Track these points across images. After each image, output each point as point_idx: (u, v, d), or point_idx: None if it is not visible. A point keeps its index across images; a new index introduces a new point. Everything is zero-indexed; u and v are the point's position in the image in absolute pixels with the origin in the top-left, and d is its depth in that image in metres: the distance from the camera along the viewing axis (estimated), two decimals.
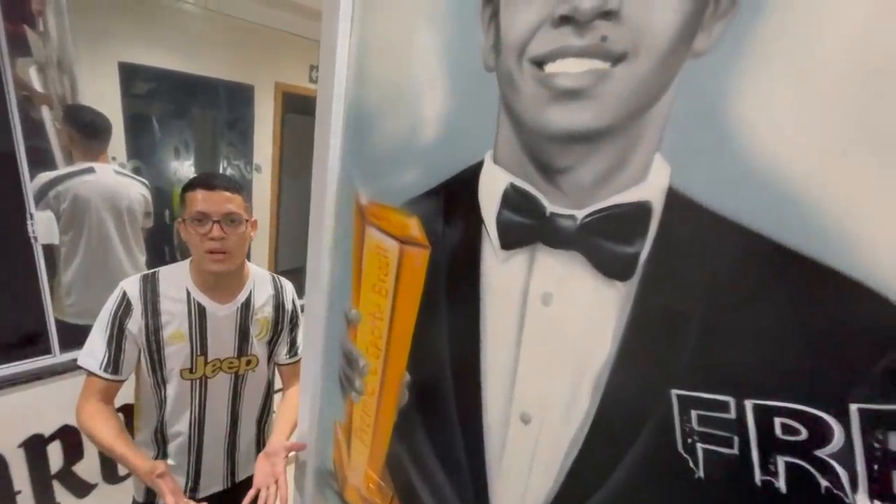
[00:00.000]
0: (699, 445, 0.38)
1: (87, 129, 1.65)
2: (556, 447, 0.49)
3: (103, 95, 1.89)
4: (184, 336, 0.98)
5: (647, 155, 0.37)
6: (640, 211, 0.38)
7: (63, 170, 1.56)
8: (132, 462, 0.90)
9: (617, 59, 0.37)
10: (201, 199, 0.92)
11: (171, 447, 1.06)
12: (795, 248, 0.31)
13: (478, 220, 0.51)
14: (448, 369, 0.60)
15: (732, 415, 0.36)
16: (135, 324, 0.95)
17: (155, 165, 2.20)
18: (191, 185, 0.95)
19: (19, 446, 1.30)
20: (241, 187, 0.99)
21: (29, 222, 1.28)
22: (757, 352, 0.34)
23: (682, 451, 0.39)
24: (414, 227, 0.60)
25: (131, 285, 0.97)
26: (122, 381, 0.98)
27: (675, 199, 0.36)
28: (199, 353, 1.01)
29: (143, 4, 1.80)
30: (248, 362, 1.08)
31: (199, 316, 1.00)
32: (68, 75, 1.88)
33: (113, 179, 1.65)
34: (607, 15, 0.37)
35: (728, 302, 0.35)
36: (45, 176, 1.45)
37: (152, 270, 1.00)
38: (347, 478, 0.84)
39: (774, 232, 0.32)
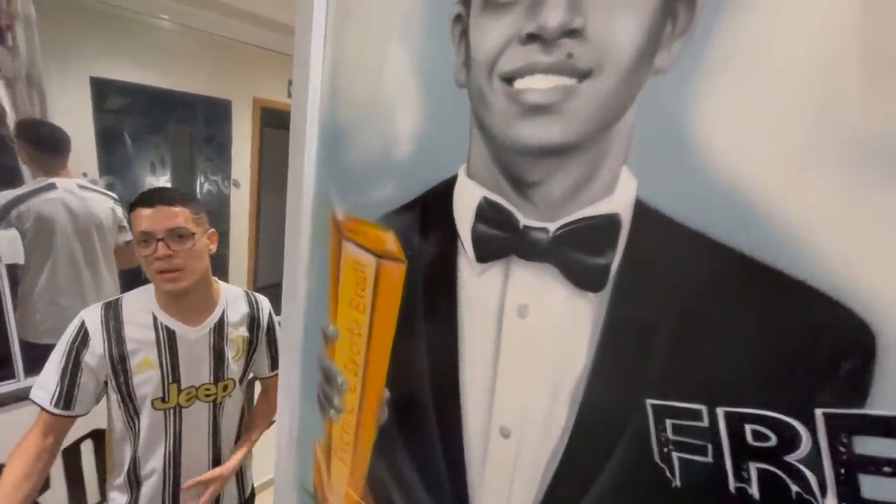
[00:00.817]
0: (675, 454, 0.39)
1: (44, 144, 1.59)
2: (536, 460, 0.49)
3: (74, 110, 1.85)
4: (153, 363, 0.93)
5: (614, 168, 0.38)
6: (610, 223, 0.39)
7: (23, 188, 1.51)
8: None
9: (583, 75, 0.38)
10: (143, 218, 0.88)
11: (145, 489, 0.99)
12: (758, 258, 0.32)
13: (453, 234, 0.51)
14: (427, 384, 0.59)
15: (705, 423, 0.36)
16: (93, 356, 0.89)
17: (130, 181, 2.16)
18: (133, 206, 0.89)
19: None
20: (189, 199, 0.93)
21: None
22: (726, 360, 0.35)
23: (659, 461, 0.40)
24: (390, 242, 0.59)
25: (91, 314, 0.92)
26: (74, 417, 0.92)
27: (642, 212, 0.37)
28: (170, 381, 0.95)
29: (116, 19, 1.78)
30: (225, 387, 1.02)
31: (168, 341, 0.94)
32: (37, 90, 1.84)
33: (77, 195, 1.58)
34: (573, 33, 0.38)
35: (697, 312, 0.35)
36: (4, 195, 1.40)
37: (115, 297, 0.96)
38: (328, 498, 0.82)
39: (737, 242, 0.33)
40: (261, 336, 1.08)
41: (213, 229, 0.98)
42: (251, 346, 1.07)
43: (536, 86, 0.40)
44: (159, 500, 1.00)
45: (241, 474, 1.15)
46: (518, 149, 0.43)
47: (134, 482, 0.99)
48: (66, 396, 0.88)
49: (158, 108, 2.12)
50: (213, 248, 0.98)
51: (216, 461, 1.05)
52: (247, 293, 1.09)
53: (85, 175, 1.94)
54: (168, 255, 0.87)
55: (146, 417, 0.94)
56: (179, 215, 0.89)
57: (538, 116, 0.40)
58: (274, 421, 1.12)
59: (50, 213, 1.51)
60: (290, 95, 2.28)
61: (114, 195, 1.74)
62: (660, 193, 0.35)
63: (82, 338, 0.89)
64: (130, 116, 2.08)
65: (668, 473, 0.39)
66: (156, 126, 2.17)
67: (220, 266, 2.39)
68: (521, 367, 0.48)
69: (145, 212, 0.87)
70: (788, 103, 0.30)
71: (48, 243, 1.52)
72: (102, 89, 1.91)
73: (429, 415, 0.60)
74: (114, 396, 0.93)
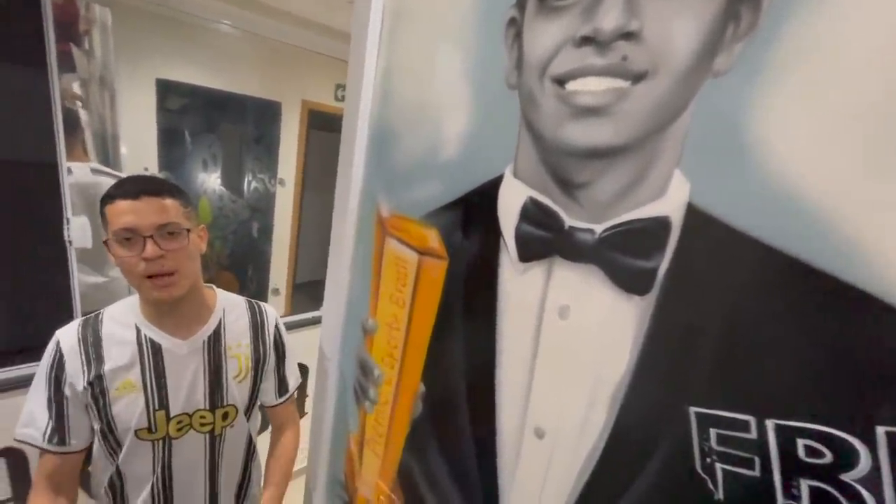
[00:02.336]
0: (718, 465, 0.38)
1: None
2: (570, 463, 0.48)
3: (140, 109, 1.99)
4: (135, 385, 0.76)
5: (666, 171, 0.38)
6: (659, 226, 0.38)
7: None
8: None
9: (637, 77, 0.38)
10: (124, 212, 0.69)
11: None
12: (815, 264, 0.31)
13: (496, 233, 0.52)
14: (463, 381, 0.60)
15: (753, 435, 0.35)
16: (73, 381, 0.74)
17: (184, 177, 2.28)
18: (109, 197, 0.71)
19: None
20: (176, 189, 0.76)
21: (65, 227, 1.34)
22: (778, 370, 0.34)
23: (701, 471, 0.39)
24: (433, 239, 0.61)
25: (66, 334, 0.76)
26: (76, 453, 0.77)
27: (694, 215, 0.36)
28: (156, 407, 0.77)
29: (181, 24, 1.90)
30: (225, 416, 0.83)
31: (152, 357, 0.77)
32: (109, 90, 1.98)
33: (91, 179, 1.60)
34: (628, 36, 0.38)
35: (747, 318, 0.35)
36: None
37: (97, 311, 0.80)
38: (358, 489, 0.83)
39: (793, 248, 0.32)
40: (269, 350, 0.89)
41: (203, 225, 0.82)
42: (258, 364, 0.87)
43: (589, 88, 0.41)
44: None
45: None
46: (567, 150, 0.43)
47: None
48: (59, 430, 0.75)
49: (214, 108, 2.24)
50: (204, 247, 0.81)
51: (213, 501, 0.87)
52: (248, 301, 0.91)
53: (146, 169, 2.08)
54: (159, 255, 0.70)
55: (130, 450, 0.77)
56: (170, 208, 0.72)
57: (589, 118, 0.41)
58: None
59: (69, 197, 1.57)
60: (336, 98, 2.36)
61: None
62: (714, 197, 0.35)
63: (59, 363, 0.75)
64: (189, 116, 2.21)
65: (709, 485, 0.38)
66: (210, 125, 2.30)
67: (262, 262, 2.49)
68: (559, 368, 0.48)
69: (127, 204, 0.69)
70: (856, 107, 0.29)
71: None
72: (166, 90, 2.04)
73: (462, 411, 0.61)
74: (96, 426, 0.77)
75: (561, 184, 0.44)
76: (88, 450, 0.81)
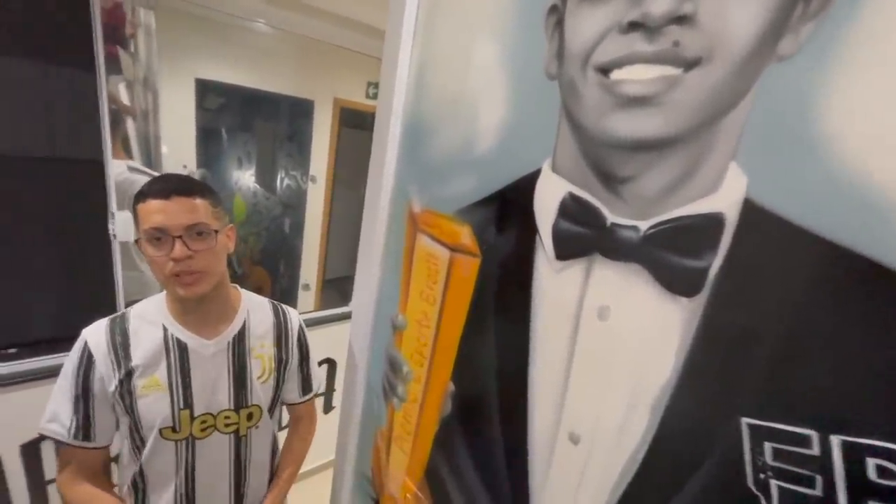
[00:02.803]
0: (773, 482, 0.35)
1: None
2: (607, 470, 0.46)
3: (180, 109, 2.06)
4: (161, 384, 0.77)
5: (720, 164, 0.35)
6: (711, 223, 0.36)
7: None
8: None
9: (690, 64, 0.35)
10: (156, 212, 0.70)
11: None
12: (889, 265, 0.28)
13: (532, 230, 0.50)
14: (494, 382, 0.58)
15: (815, 451, 0.32)
16: (101, 380, 0.75)
17: (219, 175, 2.35)
18: (142, 195, 0.72)
19: None
20: (206, 188, 0.77)
21: (110, 222, 1.40)
22: (846, 381, 0.31)
23: (753, 487, 0.36)
24: (465, 236, 0.60)
25: (94, 332, 0.77)
26: (98, 451, 0.78)
27: (751, 211, 0.34)
28: (181, 406, 0.78)
29: (220, 24, 1.96)
30: (250, 416, 0.84)
31: (179, 356, 0.78)
32: (152, 90, 2.07)
33: (127, 177, 1.64)
34: (681, 20, 0.35)
35: (811, 323, 0.32)
36: None
37: (124, 310, 0.82)
38: (385, 485, 0.83)
39: (865, 247, 0.29)
40: (291, 351, 0.90)
41: (232, 224, 0.83)
42: (281, 365, 0.88)
43: (636, 76, 0.39)
44: None
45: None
46: (611, 142, 0.41)
47: None
48: (84, 426, 0.76)
49: (249, 107, 2.30)
50: (232, 246, 0.82)
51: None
52: (272, 303, 0.92)
53: (185, 167, 2.15)
54: (187, 256, 0.71)
55: (153, 450, 0.78)
56: (199, 208, 0.73)
57: (636, 108, 0.39)
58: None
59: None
60: (367, 96, 2.38)
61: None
62: (774, 192, 0.32)
63: (87, 362, 0.76)
64: (225, 115, 2.28)
65: (762, 502, 0.36)
66: (245, 124, 2.36)
67: (293, 258, 2.54)
68: (597, 371, 0.46)
69: (159, 204, 0.71)
70: None
71: None
72: (204, 90, 2.10)
73: (493, 413, 0.59)
74: (123, 423, 0.79)
75: (603, 178, 0.42)
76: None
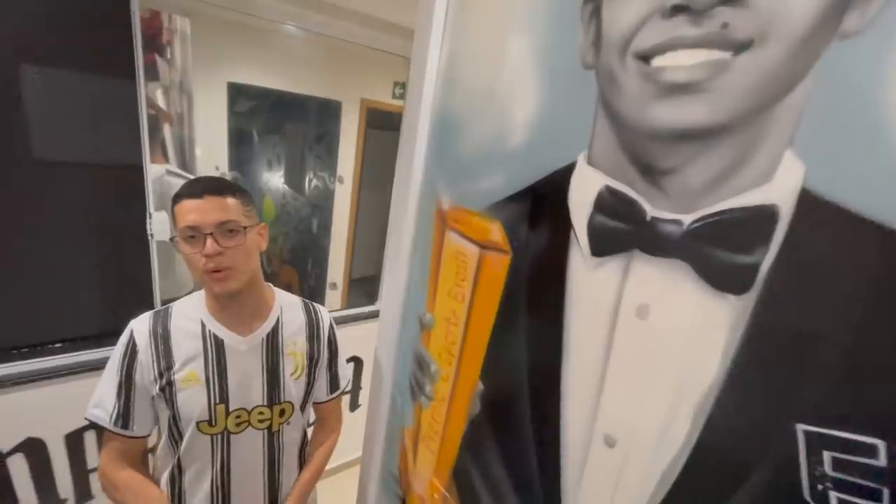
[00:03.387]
0: (833, 494, 0.32)
1: None
2: (645, 476, 0.44)
3: (213, 112, 2.12)
4: (199, 378, 0.80)
5: (774, 153, 0.33)
6: (763, 216, 0.34)
7: None
8: None
9: (740, 47, 0.33)
10: (189, 211, 0.74)
11: None
12: None
13: (566, 225, 0.48)
14: (525, 382, 0.57)
15: (882, 462, 0.30)
16: (143, 371, 0.79)
17: (250, 176, 2.41)
18: (178, 197, 0.77)
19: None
20: (239, 188, 0.80)
21: (148, 222, 1.45)
22: None
23: (810, 499, 0.34)
24: (495, 232, 0.59)
25: (139, 325, 0.81)
26: (136, 441, 0.82)
27: (809, 202, 0.31)
28: (217, 401, 0.81)
29: (251, 29, 2.01)
30: (282, 412, 0.86)
31: (216, 352, 0.81)
32: (187, 95, 2.14)
33: (166, 181, 1.73)
34: (730, 0, 0.33)
35: (877, 321, 0.29)
36: None
37: (167, 305, 0.86)
38: (412, 485, 0.83)
39: None
40: (322, 350, 0.91)
41: (264, 223, 0.85)
42: (313, 362, 0.90)
43: (679, 62, 0.37)
44: None
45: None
46: (653, 133, 0.39)
47: None
48: (124, 414, 0.79)
49: (279, 109, 2.35)
50: (265, 245, 0.85)
51: (273, 500, 0.90)
52: (304, 301, 0.94)
53: (217, 169, 2.21)
54: (218, 252, 0.74)
55: (191, 442, 0.81)
56: (230, 207, 0.77)
57: (680, 96, 0.37)
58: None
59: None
60: (394, 96, 2.39)
61: None
62: (836, 181, 0.30)
63: (132, 352, 0.79)
64: (256, 117, 2.33)
65: None
66: (275, 126, 2.41)
67: (321, 257, 2.58)
68: (635, 372, 0.44)
69: (192, 203, 0.75)
70: None
71: None
72: (236, 93, 2.16)
73: (524, 414, 0.58)
74: (162, 416, 0.82)
75: (643, 170, 0.41)
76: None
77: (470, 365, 0.65)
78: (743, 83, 0.34)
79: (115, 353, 0.80)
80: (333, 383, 0.95)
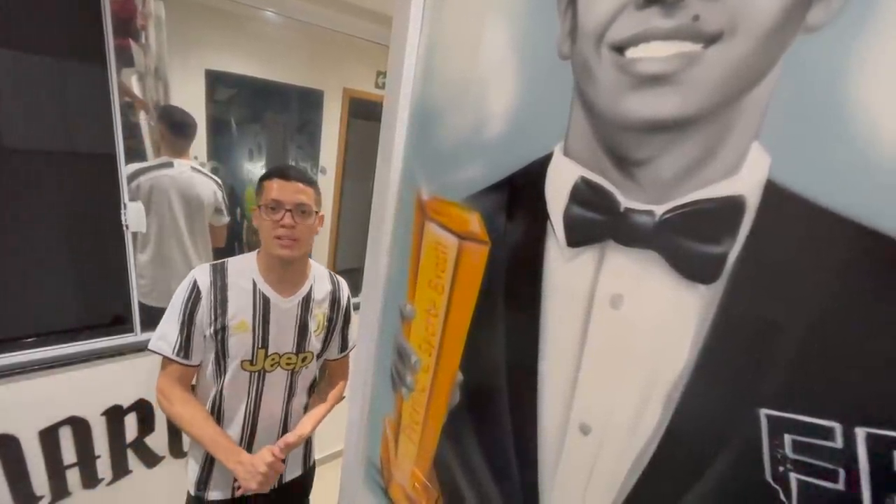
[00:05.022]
0: (793, 475, 0.34)
1: (176, 128, 1.81)
2: (618, 461, 0.45)
3: (191, 100, 2.06)
4: (247, 327, 0.99)
5: (741, 144, 0.34)
6: (731, 206, 0.34)
7: (145, 163, 1.71)
8: (222, 444, 0.98)
9: (710, 39, 0.34)
10: (276, 188, 0.95)
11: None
12: None
13: (543, 216, 0.49)
14: (503, 371, 0.58)
15: (838, 444, 0.31)
16: (202, 313, 0.97)
17: (230, 167, 2.36)
18: (268, 175, 0.98)
19: (102, 414, 1.42)
20: (314, 182, 1.02)
21: (122, 212, 1.41)
22: (873, 372, 0.29)
23: (771, 480, 0.35)
24: (474, 223, 0.59)
25: (202, 274, 0.99)
26: (194, 367, 1.01)
27: (774, 194, 0.32)
28: (259, 346, 1.01)
29: (229, 14, 1.95)
30: (304, 359, 1.09)
31: (263, 307, 1.01)
32: (163, 82, 2.07)
33: (188, 175, 1.80)
34: None
35: (837, 311, 0.30)
36: (129, 168, 1.60)
37: (221, 260, 1.03)
38: (393, 474, 0.83)
39: None
40: (339, 315, 1.14)
41: (323, 213, 1.05)
42: (331, 324, 1.12)
43: (652, 54, 0.37)
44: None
45: (308, 444, 1.23)
46: (626, 124, 0.39)
47: None
48: (186, 347, 0.98)
49: (259, 98, 2.29)
50: (319, 230, 1.05)
51: (285, 423, 1.12)
52: (330, 273, 1.16)
53: (196, 158, 2.16)
54: (291, 225, 0.95)
55: (233, 376, 1.01)
56: (307, 193, 0.98)
57: (653, 87, 0.37)
58: (344, 397, 1.19)
59: (163, 188, 1.71)
60: (377, 86, 2.36)
61: (218, 179, 1.93)
62: (801, 173, 0.31)
63: (195, 296, 0.97)
64: (235, 106, 2.28)
65: (781, 496, 0.35)
66: (256, 115, 2.36)
67: None
68: (609, 361, 0.45)
69: (281, 182, 0.96)
70: None
71: (159, 215, 1.72)
72: (214, 81, 2.10)
73: (502, 403, 0.58)
74: (209, 351, 1.00)
75: (617, 161, 0.41)
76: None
77: (449, 355, 0.66)
78: (713, 75, 0.34)
79: (178, 295, 0.98)
80: (343, 344, 1.19)
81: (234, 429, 1.06)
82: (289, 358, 1.06)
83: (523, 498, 0.57)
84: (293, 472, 1.19)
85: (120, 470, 1.51)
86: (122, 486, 1.52)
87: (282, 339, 1.04)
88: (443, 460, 0.70)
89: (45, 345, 1.32)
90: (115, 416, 1.44)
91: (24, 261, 1.29)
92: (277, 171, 0.98)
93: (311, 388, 1.19)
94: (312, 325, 1.08)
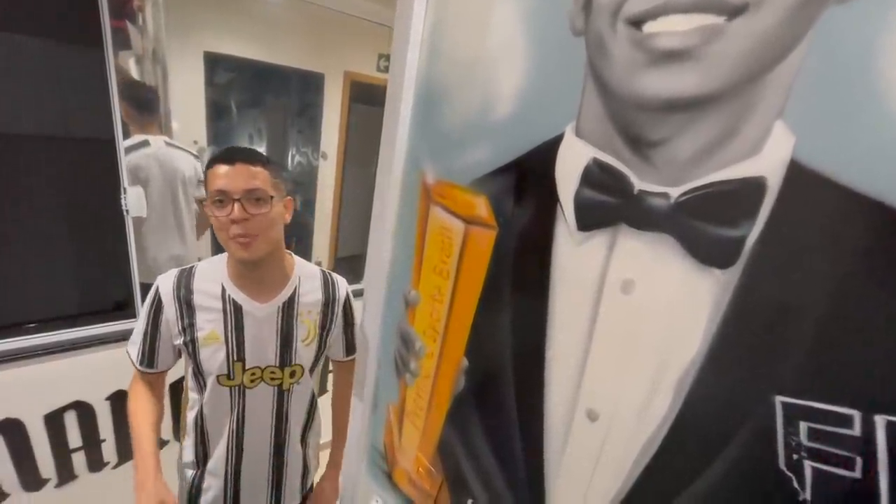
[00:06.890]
0: (807, 463, 0.33)
1: (140, 104, 1.75)
2: (626, 448, 0.45)
3: (189, 83, 2.03)
4: (219, 338, 0.87)
5: (764, 123, 0.32)
6: (752, 188, 0.33)
7: (125, 143, 1.68)
8: (143, 469, 0.83)
9: (735, 11, 0.32)
10: (220, 176, 0.79)
11: (210, 464, 0.97)
12: None
13: (553, 199, 0.48)
14: (509, 357, 0.57)
15: (856, 431, 0.30)
16: (168, 324, 0.88)
17: None
18: (211, 162, 0.82)
19: (106, 399, 1.43)
20: (268, 160, 0.84)
21: (122, 197, 1.40)
22: (895, 357, 0.28)
23: (784, 468, 0.34)
24: (481, 207, 0.57)
25: (165, 282, 0.89)
26: (159, 374, 0.94)
27: (798, 174, 0.31)
28: (235, 358, 0.89)
29: None
30: (293, 373, 0.94)
31: (234, 315, 0.88)
32: (161, 65, 2.04)
33: (165, 150, 1.75)
34: None
35: (860, 296, 0.29)
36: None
37: (191, 264, 0.92)
38: (397, 460, 0.84)
39: None
40: (336, 319, 0.99)
41: (290, 197, 0.89)
42: (324, 330, 0.97)
43: (672, 28, 0.35)
44: (222, 477, 0.97)
45: (306, 469, 1.10)
46: (642, 103, 0.38)
47: (201, 456, 0.98)
48: (149, 356, 0.90)
49: (259, 81, 2.26)
50: (289, 217, 0.89)
51: (278, 449, 1.00)
52: (322, 272, 1.00)
53: (196, 143, 2.14)
54: (244, 218, 0.78)
55: (212, 392, 0.91)
56: (259, 176, 0.80)
57: (671, 64, 0.35)
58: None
59: (146, 167, 1.68)
60: (379, 69, 2.32)
61: (194, 152, 1.90)
62: (827, 153, 0.29)
63: (157, 305, 0.88)
64: (235, 90, 2.24)
65: (794, 483, 0.34)
66: (256, 99, 2.33)
67: (305, 234, 2.54)
68: (618, 347, 0.45)
69: (223, 169, 0.79)
70: None
71: (149, 195, 1.70)
72: (214, 64, 2.07)
73: (508, 389, 0.58)
74: (189, 366, 0.92)
75: (631, 142, 0.40)
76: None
77: (455, 341, 0.65)
78: (735, 50, 0.32)
79: (145, 304, 0.90)
80: (349, 348, 1.04)
81: (219, 450, 0.96)
82: (272, 372, 0.92)
83: (529, 484, 0.57)
84: (292, 501, 1.09)
85: (125, 453, 1.53)
86: (127, 468, 1.54)
87: (260, 350, 0.91)
88: (447, 446, 0.70)
89: (47, 330, 1.32)
90: (119, 400, 1.45)
91: (26, 247, 1.29)
92: (220, 156, 0.81)
93: (313, 406, 1.06)
94: (301, 334, 0.93)
